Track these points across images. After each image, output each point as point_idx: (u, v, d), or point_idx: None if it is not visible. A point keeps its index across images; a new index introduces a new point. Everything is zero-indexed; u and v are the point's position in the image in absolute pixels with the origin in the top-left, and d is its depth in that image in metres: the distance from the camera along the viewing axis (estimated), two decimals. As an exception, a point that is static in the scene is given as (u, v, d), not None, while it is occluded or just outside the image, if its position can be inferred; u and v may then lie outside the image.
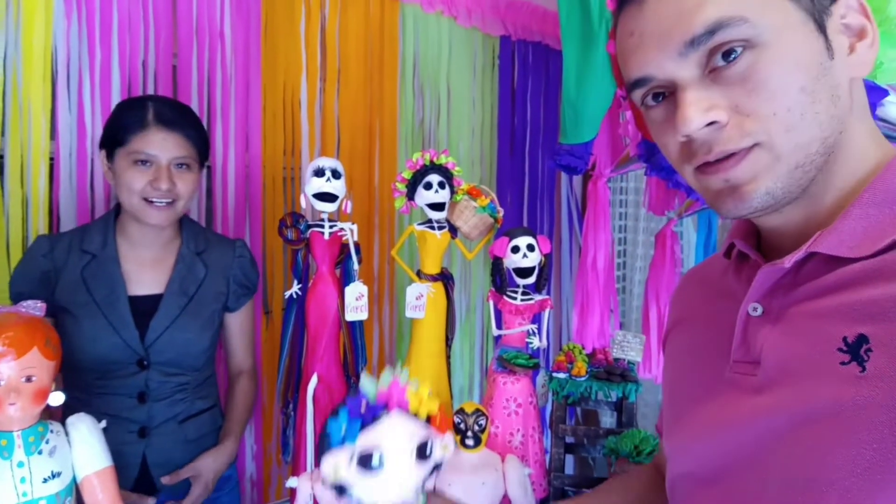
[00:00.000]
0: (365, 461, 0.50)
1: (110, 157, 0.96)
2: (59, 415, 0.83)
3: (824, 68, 0.41)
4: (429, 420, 0.55)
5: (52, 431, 0.75)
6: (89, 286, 0.95)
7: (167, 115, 0.95)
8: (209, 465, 1.00)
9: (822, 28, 0.41)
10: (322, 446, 0.52)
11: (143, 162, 0.93)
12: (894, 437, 0.36)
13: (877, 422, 0.36)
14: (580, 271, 1.38)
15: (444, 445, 0.55)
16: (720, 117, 0.42)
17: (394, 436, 0.52)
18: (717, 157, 0.43)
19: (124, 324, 0.95)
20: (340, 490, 0.53)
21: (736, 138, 0.42)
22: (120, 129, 0.94)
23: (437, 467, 0.56)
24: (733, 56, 0.41)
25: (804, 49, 0.41)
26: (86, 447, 0.77)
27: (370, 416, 0.51)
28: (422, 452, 0.53)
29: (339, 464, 0.51)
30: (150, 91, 1.21)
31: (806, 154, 0.42)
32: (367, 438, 0.51)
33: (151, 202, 0.94)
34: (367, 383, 0.54)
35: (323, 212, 1.08)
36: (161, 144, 0.93)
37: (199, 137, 0.99)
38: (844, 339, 0.39)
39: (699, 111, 0.42)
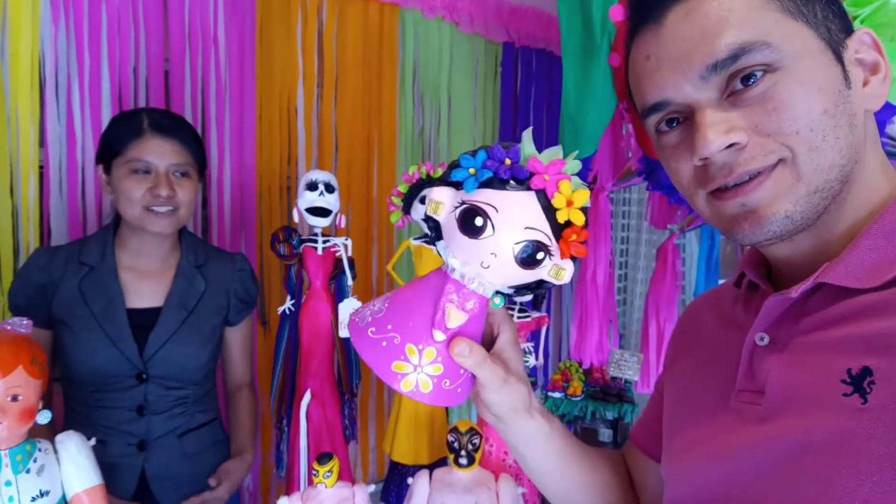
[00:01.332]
0: (467, 217, 0.43)
1: (107, 170, 0.95)
2: (60, 428, 0.82)
3: (843, 96, 0.42)
4: (561, 231, 0.44)
5: (40, 450, 0.75)
6: (87, 298, 0.94)
7: (162, 122, 0.94)
8: (238, 470, 1.02)
9: (839, 58, 0.42)
10: (446, 173, 0.45)
11: (142, 170, 0.92)
12: (894, 470, 0.35)
13: (877, 454, 0.36)
14: (579, 286, 1.37)
15: (558, 268, 0.44)
16: (740, 138, 0.42)
17: (514, 213, 0.42)
18: (737, 180, 0.43)
19: (122, 336, 0.94)
20: (432, 228, 0.47)
21: (759, 157, 0.42)
22: (115, 139, 0.93)
23: (535, 288, 0.46)
24: (752, 80, 0.41)
25: (825, 74, 0.42)
26: (75, 465, 0.76)
27: (505, 175, 0.42)
28: (531, 256, 0.43)
29: (443, 203, 0.44)
30: (142, 97, 1.19)
31: (826, 179, 0.42)
32: (484, 195, 0.42)
33: (153, 211, 0.93)
34: (528, 143, 0.44)
35: (316, 226, 1.06)
36: (158, 151, 0.93)
37: (195, 144, 0.99)
38: (849, 370, 0.39)
39: (719, 133, 0.42)
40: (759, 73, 0.41)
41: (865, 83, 0.44)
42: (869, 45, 0.44)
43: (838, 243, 0.44)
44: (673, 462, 0.54)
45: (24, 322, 0.76)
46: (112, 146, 0.93)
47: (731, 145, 0.42)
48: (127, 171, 0.92)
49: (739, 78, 0.41)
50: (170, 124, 0.95)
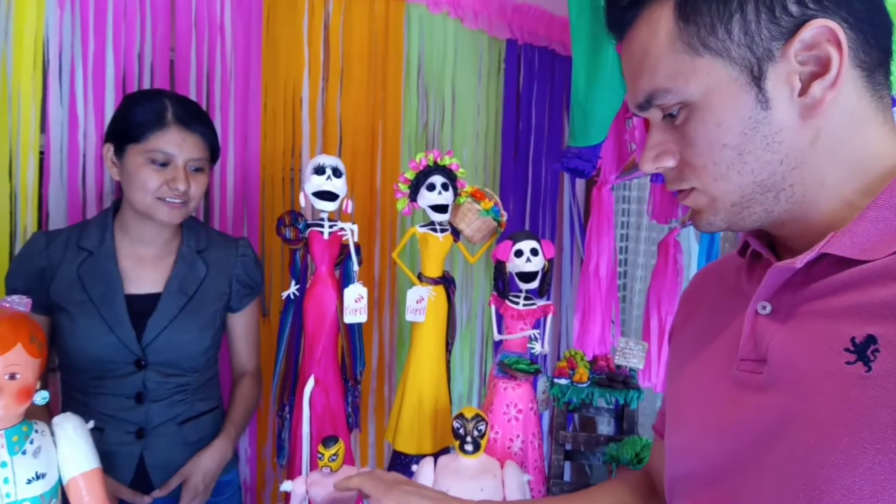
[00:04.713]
0: None
1: (118, 151, 0.93)
2: (57, 414, 0.80)
3: (755, 121, 0.43)
4: None
5: (36, 431, 0.73)
6: (85, 284, 0.92)
7: (187, 114, 0.93)
8: (198, 466, 0.96)
9: (757, 80, 0.42)
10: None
11: (160, 162, 0.91)
12: None
13: (881, 422, 0.36)
14: (582, 278, 1.37)
15: None
16: (668, 163, 0.48)
17: None
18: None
19: (120, 323, 0.92)
20: None
21: (677, 182, 0.48)
22: (136, 124, 0.91)
23: None
24: (673, 113, 0.46)
25: (729, 110, 0.43)
26: (72, 448, 0.74)
27: None
28: None
29: None
30: (146, 84, 1.18)
31: (741, 195, 0.45)
32: None
33: (165, 200, 0.92)
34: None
35: (323, 211, 1.06)
36: (181, 145, 0.91)
37: (213, 139, 0.98)
38: (852, 339, 0.39)
39: (650, 159, 0.48)
40: (675, 110, 0.46)
41: (803, 92, 0.41)
42: (821, 42, 0.41)
43: (836, 218, 0.44)
44: (676, 434, 0.54)
45: (24, 300, 0.75)
46: (131, 131, 0.91)
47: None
48: (145, 160, 0.90)
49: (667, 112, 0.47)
50: (194, 117, 0.94)
